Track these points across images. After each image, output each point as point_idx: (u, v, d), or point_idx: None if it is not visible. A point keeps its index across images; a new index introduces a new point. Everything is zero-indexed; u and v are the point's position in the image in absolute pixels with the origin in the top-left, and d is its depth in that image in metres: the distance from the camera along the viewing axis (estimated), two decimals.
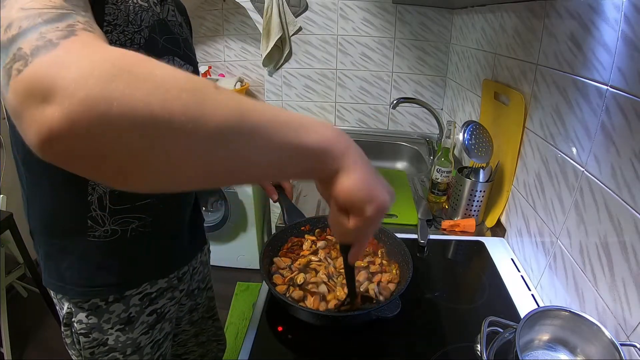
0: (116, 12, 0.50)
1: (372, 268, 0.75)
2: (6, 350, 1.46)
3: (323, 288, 0.69)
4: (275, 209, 2.04)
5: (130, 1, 0.53)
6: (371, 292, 0.70)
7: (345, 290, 0.65)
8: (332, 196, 0.38)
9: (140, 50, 0.52)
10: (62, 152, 0.25)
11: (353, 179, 0.36)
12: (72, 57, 0.25)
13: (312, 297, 0.67)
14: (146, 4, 0.56)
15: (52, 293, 0.66)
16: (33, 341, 1.65)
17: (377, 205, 0.38)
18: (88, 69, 0.24)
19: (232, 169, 0.31)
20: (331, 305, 0.66)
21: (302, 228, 0.83)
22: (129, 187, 0.28)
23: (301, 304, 0.66)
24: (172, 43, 0.62)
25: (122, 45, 0.51)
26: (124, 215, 0.60)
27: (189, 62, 0.66)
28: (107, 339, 0.65)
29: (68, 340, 0.66)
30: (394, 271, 0.74)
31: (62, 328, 0.66)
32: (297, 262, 0.75)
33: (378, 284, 0.71)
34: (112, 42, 0.49)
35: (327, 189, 0.39)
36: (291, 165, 0.34)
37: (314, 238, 0.82)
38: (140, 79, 0.25)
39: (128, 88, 0.24)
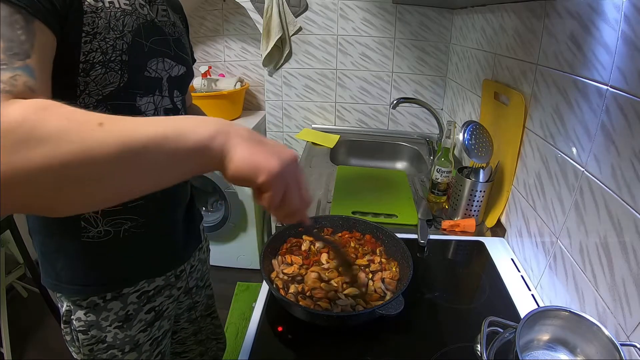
0: (96, 20, 0.50)
1: (372, 266, 0.75)
2: (6, 350, 1.46)
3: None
4: None
5: (111, 7, 0.52)
6: (378, 290, 0.70)
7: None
8: (230, 181, 0.41)
9: (123, 56, 0.53)
10: None
11: (236, 159, 0.39)
12: None
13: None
14: (130, 8, 0.55)
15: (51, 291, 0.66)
16: (33, 341, 1.65)
17: (266, 172, 0.40)
18: None
19: (136, 187, 0.37)
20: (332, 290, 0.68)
21: (300, 229, 0.83)
22: (59, 215, 0.34)
23: (301, 303, 0.66)
24: (162, 44, 0.61)
25: (104, 52, 0.51)
26: (116, 216, 0.61)
27: (181, 63, 0.66)
28: (106, 336, 0.66)
29: (68, 338, 0.68)
30: (394, 269, 0.75)
31: (62, 325, 0.67)
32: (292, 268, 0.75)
33: (382, 280, 0.71)
34: (92, 51, 0.50)
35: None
36: (184, 166, 0.39)
37: (311, 238, 0.82)
38: (37, 140, 0.30)
39: (28, 152, 0.30)
